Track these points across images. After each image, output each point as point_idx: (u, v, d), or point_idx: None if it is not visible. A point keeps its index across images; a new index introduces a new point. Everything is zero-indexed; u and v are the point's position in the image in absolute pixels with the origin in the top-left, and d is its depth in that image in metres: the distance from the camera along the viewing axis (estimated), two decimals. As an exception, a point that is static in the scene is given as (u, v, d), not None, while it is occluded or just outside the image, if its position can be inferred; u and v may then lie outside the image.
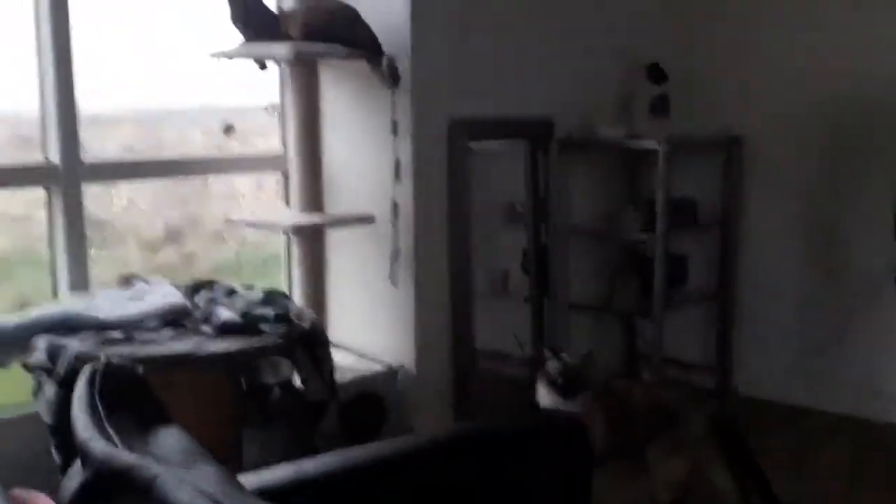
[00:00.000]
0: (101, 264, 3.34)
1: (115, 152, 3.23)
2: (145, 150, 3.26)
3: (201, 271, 3.68)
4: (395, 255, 2.89)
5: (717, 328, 3.75)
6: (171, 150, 3.32)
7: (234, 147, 3.16)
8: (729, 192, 3.65)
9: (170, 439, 0.94)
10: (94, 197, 3.31)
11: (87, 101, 3.00)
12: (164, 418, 0.99)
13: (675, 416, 2.49)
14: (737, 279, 3.71)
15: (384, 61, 2.70)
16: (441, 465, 1.42)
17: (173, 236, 3.63)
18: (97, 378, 0.94)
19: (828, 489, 2.89)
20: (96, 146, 3.25)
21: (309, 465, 1.31)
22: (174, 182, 3.30)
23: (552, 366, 2.49)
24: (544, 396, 2.52)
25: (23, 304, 2.56)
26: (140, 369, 1.11)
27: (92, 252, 3.39)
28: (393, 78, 2.72)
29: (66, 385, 1.13)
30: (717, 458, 2.42)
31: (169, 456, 0.88)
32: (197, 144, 3.25)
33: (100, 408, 0.87)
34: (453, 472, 1.42)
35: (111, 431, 0.85)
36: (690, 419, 2.47)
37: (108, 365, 0.99)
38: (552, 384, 2.47)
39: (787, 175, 3.64)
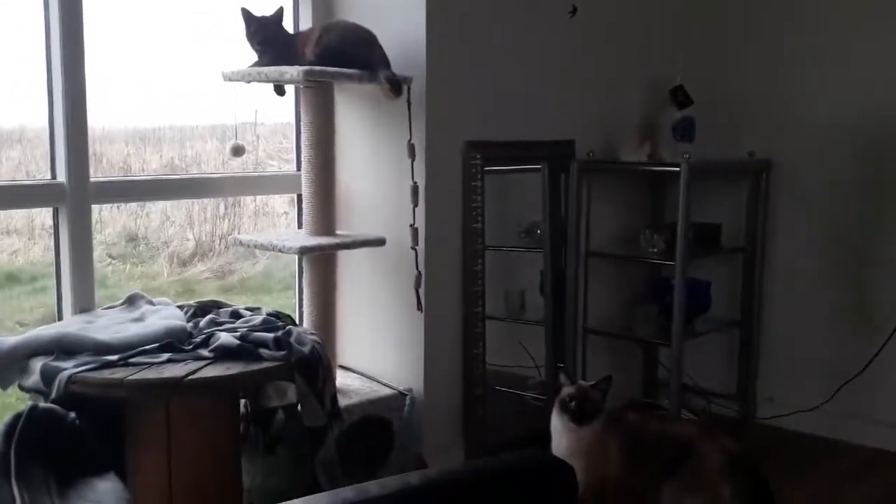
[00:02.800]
0: (133, 279, 3.40)
1: (157, 168, 3.28)
2: (185, 167, 3.30)
3: (230, 286, 3.72)
4: (417, 281, 2.86)
5: (740, 356, 3.67)
6: (206, 165, 3.36)
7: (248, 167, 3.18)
8: (754, 217, 3.57)
9: (95, 494, 0.91)
10: (130, 212, 3.37)
11: (128, 117, 3.06)
12: (100, 466, 0.96)
13: (692, 452, 2.43)
14: (762, 306, 3.62)
15: (381, 75, 2.67)
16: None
17: (204, 251, 3.67)
18: (17, 428, 0.92)
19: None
20: (137, 163, 3.32)
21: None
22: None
23: (567, 391, 2.46)
24: (556, 421, 2.49)
25: (53, 318, 2.59)
26: (73, 415, 1.09)
27: (127, 267, 3.44)
28: (393, 89, 2.68)
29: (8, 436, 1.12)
30: (735, 498, 2.35)
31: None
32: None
33: (12, 461, 0.85)
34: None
35: (16, 489, 0.83)
36: (707, 456, 2.40)
37: (34, 412, 0.97)
38: (565, 409, 2.44)
39: (814, 200, 3.56)
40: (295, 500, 1.31)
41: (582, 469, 2.21)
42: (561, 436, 2.49)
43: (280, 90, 2.81)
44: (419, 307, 2.88)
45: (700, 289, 3.54)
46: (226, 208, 3.62)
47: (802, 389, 3.58)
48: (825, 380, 3.52)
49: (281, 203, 3.58)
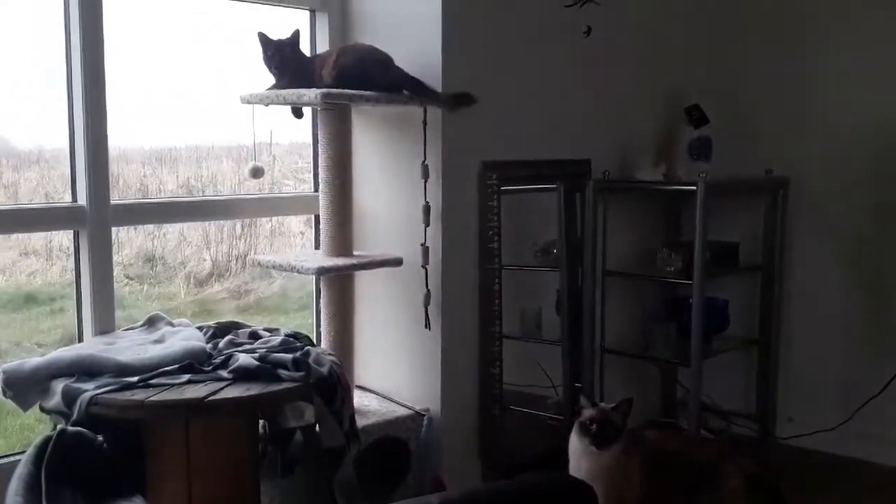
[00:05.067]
0: (150, 300, 3.42)
1: (173, 188, 3.31)
2: (202, 188, 3.33)
3: (246, 306, 3.74)
4: (426, 299, 2.87)
5: (758, 375, 3.65)
6: (221, 185, 3.39)
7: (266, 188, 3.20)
8: (772, 234, 3.56)
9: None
10: (147, 233, 3.40)
11: (145, 137, 3.09)
12: (126, 489, 0.96)
13: (711, 474, 2.42)
14: (780, 324, 3.60)
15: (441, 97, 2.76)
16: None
17: (221, 272, 3.69)
18: (47, 451, 0.92)
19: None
20: (153, 183, 3.35)
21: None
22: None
23: (587, 413, 2.44)
24: (576, 444, 2.48)
25: (72, 339, 2.61)
26: (100, 438, 1.09)
27: (144, 288, 3.47)
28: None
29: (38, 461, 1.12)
30: None
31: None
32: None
33: (42, 487, 0.85)
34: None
35: (47, 515, 0.83)
36: (728, 476, 2.40)
37: (63, 435, 0.97)
38: (585, 432, 2.42)
39: (832, 217, 3.55)
40: None
41: (602, 493, 2.20)
42: (580, 459, 2.47)
43: (298, 113, 2.83)
44: (427, 325, 2.89)
45: (718, 307, 3.53)
46: (242, 228, 3.65)
47: (822, 408, 3.55)
48: (845, 399, 3.50)
49: (297, 223, 3.60)
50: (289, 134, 3.33)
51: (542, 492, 1.58)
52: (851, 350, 3.53)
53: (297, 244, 3.57)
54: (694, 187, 3.18)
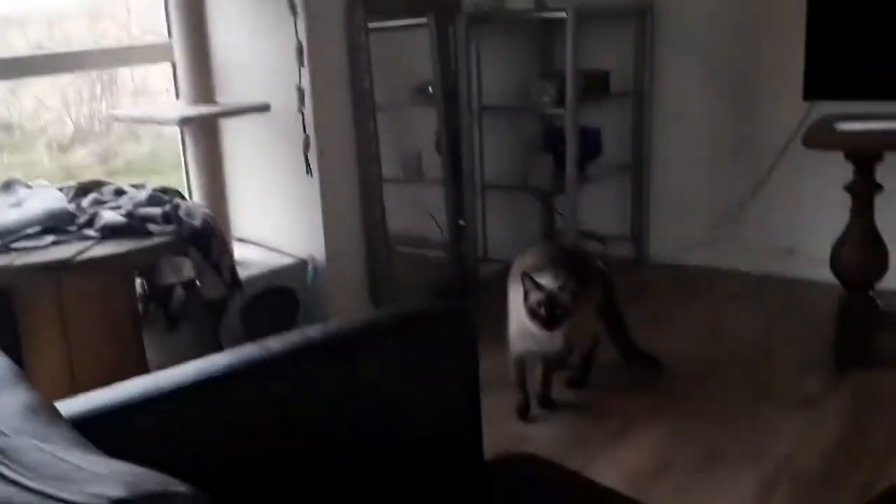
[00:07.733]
0: (11, 169, 3.22)
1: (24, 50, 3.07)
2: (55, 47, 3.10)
3: (115, 169, 3.58)
4: (306, 144, 2.81)
5: (632, 198, 3.77)
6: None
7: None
8: (641, 61, 3.60)
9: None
10: (1, 100, 3.17)
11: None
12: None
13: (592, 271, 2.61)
14: (651, 148, 3.70)
15: None
16: (317, 364, 1.40)
17: (84, 135, 3.50)
18: None
19: (741, 350, 2.95)
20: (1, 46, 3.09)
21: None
22: (82, 78, 3.13)
23: (534, 298, 2.37)
24: (528, 325, 2.41)
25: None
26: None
27: (4, 157, 3.26)
28: None
29: None
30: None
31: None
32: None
33: None
34: (331, 369, 1.41)
35: None
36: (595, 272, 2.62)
37: None
38: (534, 316, 2.37)
39: (698, 42, 3.59)
40: (198, 360, 1.31)
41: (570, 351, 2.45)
42: (537, 337, 2.41)
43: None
44: (308, 171, 2.84)
45: (591, 135, 3.59)
46: (102, 88, 3.45)
47: (692, 225, 3.70)
48: (714, 214, 3.65)
49: (162, 80, 3.42)
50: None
51: (418, 318, 1.60)
52: (721, 168, 3.65)
53: (158, 99, 3.40)
54: (564, 14, 3.16)
